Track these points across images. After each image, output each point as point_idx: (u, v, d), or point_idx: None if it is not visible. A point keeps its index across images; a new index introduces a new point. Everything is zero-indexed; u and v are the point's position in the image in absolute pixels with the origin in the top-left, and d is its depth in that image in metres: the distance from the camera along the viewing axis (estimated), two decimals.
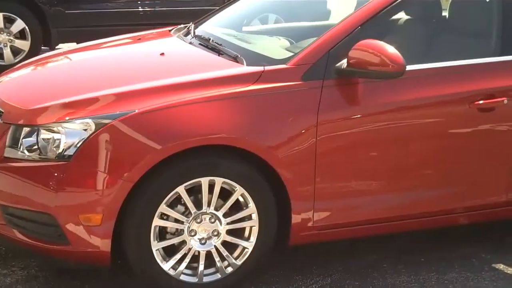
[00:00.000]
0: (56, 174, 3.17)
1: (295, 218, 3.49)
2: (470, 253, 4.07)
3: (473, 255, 4.05)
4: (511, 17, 3.86)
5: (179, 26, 4.63)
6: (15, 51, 8.23)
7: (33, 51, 7.98)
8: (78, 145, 3.17)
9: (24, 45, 8.26)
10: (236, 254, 3.46)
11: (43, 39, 8.36)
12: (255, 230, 3.44)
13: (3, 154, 3.30)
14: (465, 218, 3.95)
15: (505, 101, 3.74)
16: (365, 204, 3.68)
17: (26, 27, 8.20)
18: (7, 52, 8.17)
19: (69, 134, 3.20)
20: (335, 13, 4.41)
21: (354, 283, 3.69)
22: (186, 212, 3.33)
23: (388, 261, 3.94)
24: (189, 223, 3.33)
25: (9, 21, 8.16)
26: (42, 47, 8.29)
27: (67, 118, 3.25)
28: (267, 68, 3.48)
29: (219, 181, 3.31)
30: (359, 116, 3.53)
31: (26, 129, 3.29)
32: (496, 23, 3.89)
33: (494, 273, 3.86)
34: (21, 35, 8.25)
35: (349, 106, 3.53)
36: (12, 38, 8.21)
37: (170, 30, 4.61)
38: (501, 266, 3.94)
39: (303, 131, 3.41)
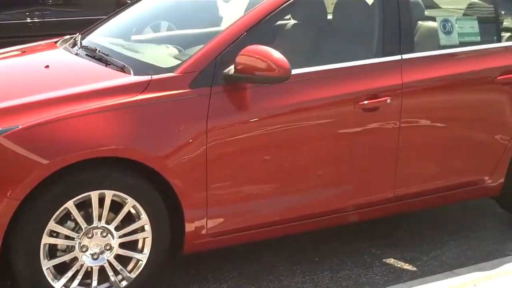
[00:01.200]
0: None
1: (189, 227, 3.41)
2: (361, 249, 4.12)
3: (364, 251, 4.10)
4: (391, 20, 3.91)
5: (65, 37, 4.44)
6: None
7: None
8: None
9: None
10: (130, 267, 3.35)
11: None
12: (149, 242, 3.34)
13: None
14: (357, 216, 3.98)
15: (388, 101, 3.79)
16: (260, 208, 3.65)
17: None
18: None
19: None
20: (227, 19, 4.34)
21: (250, 287, 3.64)
22: (77, 228, 3.19)
23: (283, 262, 3.93)
24: (80, 239, 3.19)
25: None
26: None
27: None
28: (155, 77, 3.38)
29: (109, 194, 3.19)
30: (248, 121, 3.49)
31: None
32: (378, 26, 3.93)
33: (385, 267, 3.92)
34: None
35: (238, 112, 3.48)
36: None
37: (56, 42, 4.42)
38: (391, 261, 4.00)
39: (193, 138, 3.33)
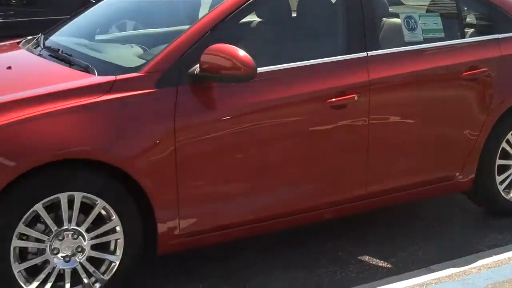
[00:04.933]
0: None
1: (161, 227, 3.57)
2: (336, 247, 4.31)
3: (339, 249, 4.30)
4: (355, 17, 4.15)
5: (27, 38, 4.60)
6: None
7: None
8: None
9: None
10: (103, 269, 3.50)
11: None
12: (121, 243, 3.49)
13: None
14: (330, 213, 4.17)
15: (356, 98, 4.00)
16: (232, 207, 3.83)
17: None
18: None
19: None
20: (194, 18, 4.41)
21: (225, 286, 3.82)
22: (47, 230, 3.33)
23: (258, 260, 4.10)
24: (50, 241, 3.33)
25: None
26: None
27: None
28: (119, 77, 3.54)
29: (78, 196, 3.35)
30: (216, 119, 3.67)
31: None
32: (341, 23, 4.17)
33: (360, 265, 4.12)
34: None
35: (205, 111, 3.67)
36: None
37: (18, 42, 4.58)
38: (366, 258, 4.20)
39: (161, 138, 3.50)
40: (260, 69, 3.66)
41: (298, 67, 3.96)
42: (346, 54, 4.12)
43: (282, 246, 4.30)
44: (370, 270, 4.05)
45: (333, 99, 3.95)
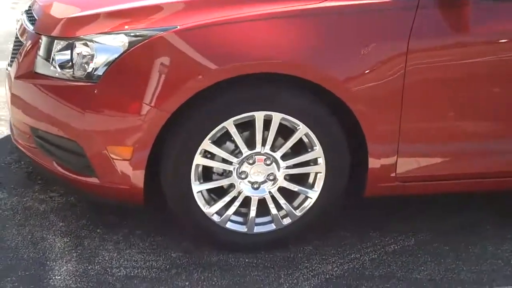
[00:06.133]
0: (82, 96, 2.92)
1: (373, 163, 3.07)
2: None
3: None
4: None
5: None
6: None
7: None
8: (110, 64, 2.88)
9: None
10: (296, 203, 3.12)
11: None
12: (321, 177, 3.07)
13: (34, 69, 3.10)
14: None
15: None
16: (467, 153, 3.21)
17: None
18: None
19: (101, 50, 2.92)
20: None
21: (443, 247, 3.26)
22: (236, 151, 3.00)
23: (490, 223, 3.48)
24: (239, 164, 2.99)
25: None
26: None
27: (106, 30, 2.96)
28: None
29: (277, 117, 2.93)
30: (466, 44, 3.04)
31: (58, 42, 3.04)
32: None
33: None
34: None
35: (452, 32, 3.02)
36: None
37: None
38: None
39: (388, 60, 2.95)
40: None
41: None
42: None
43: None
44: None
45: None
